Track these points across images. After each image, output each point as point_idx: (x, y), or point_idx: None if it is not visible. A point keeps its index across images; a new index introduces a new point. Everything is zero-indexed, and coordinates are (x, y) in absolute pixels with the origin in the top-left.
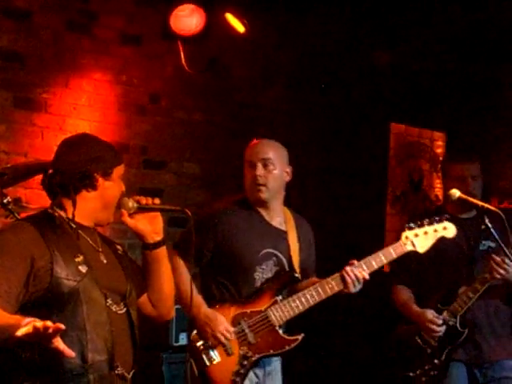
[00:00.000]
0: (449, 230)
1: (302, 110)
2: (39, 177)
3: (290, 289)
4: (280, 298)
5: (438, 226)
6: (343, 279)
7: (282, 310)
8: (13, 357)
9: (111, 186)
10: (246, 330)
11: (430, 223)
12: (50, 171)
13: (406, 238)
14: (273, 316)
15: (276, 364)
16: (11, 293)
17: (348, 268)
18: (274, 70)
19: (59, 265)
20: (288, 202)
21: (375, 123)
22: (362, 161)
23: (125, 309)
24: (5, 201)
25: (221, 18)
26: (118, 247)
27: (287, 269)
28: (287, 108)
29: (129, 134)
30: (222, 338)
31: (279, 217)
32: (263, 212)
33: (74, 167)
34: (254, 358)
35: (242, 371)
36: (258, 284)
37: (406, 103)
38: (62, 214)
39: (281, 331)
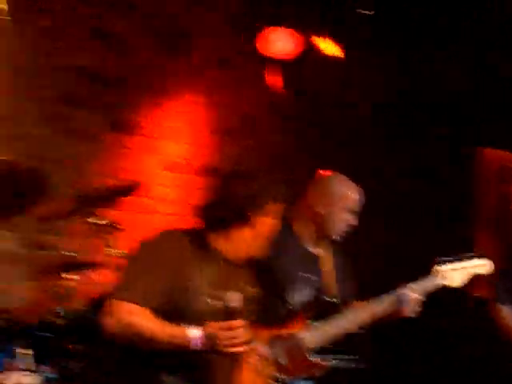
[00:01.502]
0: (485, 267)
1: (387, 134)
2: (128, 198)
3: (326, 313)
4: (315, 322)
5: (476, 262)
6: (400, 299)
7: (315, 335)
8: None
9: (264, 223)
10: (279, 352)
11: (467, 258)
12: (209, 200)
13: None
14: (306, 339)
15: None
16: (157, 301)
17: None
18: (364, 93)
19: (198, 284)
20: (371, 228)
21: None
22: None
23: None
24: (97, 221)
25: (315, 42)
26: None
27: (323, 293)
28: (372, 132)
29: (219, 156)
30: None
31: (312, 241)
32: (300, 234)
33: (230, 202)
34: (284, 381)
35: None
36: (294, 307)
37: (497, 126)
38: (214, 243)
39: (313, 356)
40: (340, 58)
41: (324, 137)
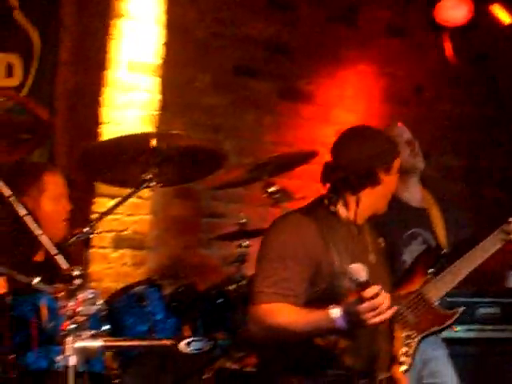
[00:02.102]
0: None
1: None
2: (303, 167)
3: (439, 265)
4: (431, 275)
5: None
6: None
7: (436, 286)
8: (280, 354)
9: (391, 180)
10: (405, 312)
11: None
12: (331, 165)
13: None
14: (428, 293)
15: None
16: (298, 292)
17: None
18: None
19: (338, 263)
20: None
21: None
22: None
23: None
24: (272, 189)
25: (488, 9)
26: (379, 241)
27: (434, 245)
28: None
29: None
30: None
31: (417, 195)
32: (402, 194)
33: (358, 164)
34: (417, 338)
35: (409, 352)
36: (407, 266)
37: None
38: (341, 210)
39: (439, 307)
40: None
41: (499, 106)
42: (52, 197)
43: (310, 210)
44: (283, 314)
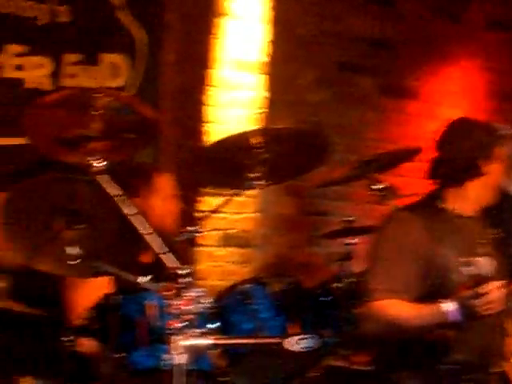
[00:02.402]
0: None
1: None
2: (408, 164)
3: None
4: None
5: None
6: None
7: None
8: (392, 350)
9: (495, 170)
10: None
11: None
12: (436, 160)
13: None
14: None
15: None
16: (410, 288)
17: None
18: None
19: (448, 258)
20: None
21: None
22: None
23: None
24: (377, 187)
25: None
26: (495, 232)
27: None
28: None
29: (498, 121)
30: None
31: None
32: None
33: (459, 157)
34: None
35: None
36: None
37: None
38: (449, 205)
39: None
40: None
41: None
42: (162, 197)
43: (418, 207)
44: (396, 309)
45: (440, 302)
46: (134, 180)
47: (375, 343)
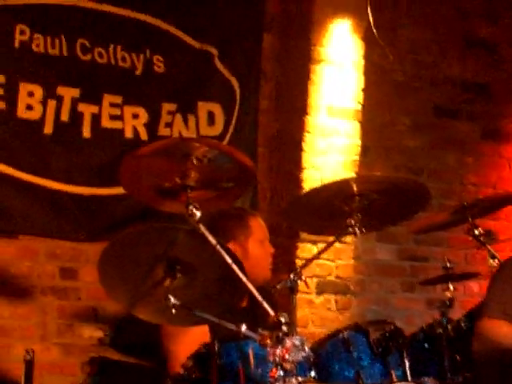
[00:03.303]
0: None
1: None
2: (508, 208)
3: None
4: None
5: None
6: None
7: None
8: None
9: None
10: None
11: None
12: None
13: None
14: None
15: None
16: None
17: None
18: None
19: None
20: None
21: None
22: None
23: None
24: (476, 232)
25: None
26: None
27: None
28: None
29: None
30: None
31: None
32: None
33: None
34: None
35: None
36: None
37: None
38: None
39: None
40: None
41: None
42: (257, 240)
43: None
44: (506, 332)
45: None
46: (229, 224)
47: (480, 364)
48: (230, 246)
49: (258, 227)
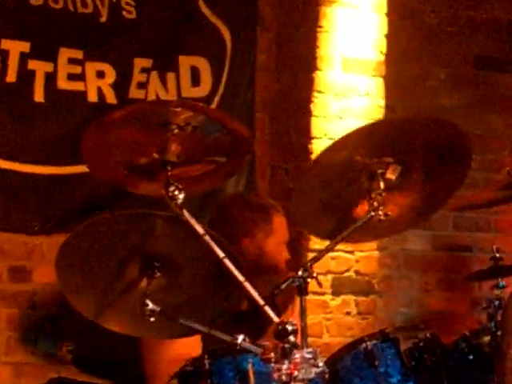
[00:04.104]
0: None
1: None
2: None
3: None
4: None
5: None
6: None
7: None
8: None
9: None
10: None
11: None
12: None
13: None
14: None
15: None
16: None
17: None
18: None
19: None
20: None
21: None
22: None
23: None
24: None
25: None
26: None
27: None
28: None
29: None
30: None
31: None
32: None
33: None
34: None
35: None
36: None
37: None
38: None
39: None
40: None
41: None
42: (276, 242)
43: None
44: None
45: None
46: (248, 214)
47: None
48: (245, 242)
49: (281, 227)
